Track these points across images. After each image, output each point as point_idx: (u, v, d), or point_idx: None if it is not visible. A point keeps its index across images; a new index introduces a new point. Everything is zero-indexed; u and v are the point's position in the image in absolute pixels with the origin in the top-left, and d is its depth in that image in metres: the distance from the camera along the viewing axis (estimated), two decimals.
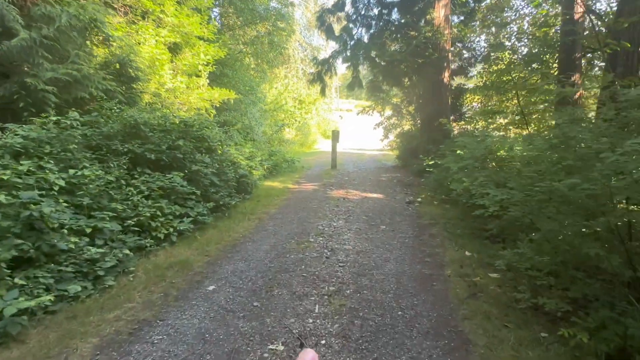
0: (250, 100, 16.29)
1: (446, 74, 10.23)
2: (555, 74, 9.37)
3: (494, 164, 4.72)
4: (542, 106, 6.90)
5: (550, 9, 9.15)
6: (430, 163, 8.12)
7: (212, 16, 13.68)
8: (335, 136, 12.07)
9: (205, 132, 6.82)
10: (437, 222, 5.57)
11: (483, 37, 11.67)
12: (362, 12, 11.33)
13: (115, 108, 5.81)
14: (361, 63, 11.36)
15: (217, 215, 5.77)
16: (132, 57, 7.49)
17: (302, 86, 31.58)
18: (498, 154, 4.69)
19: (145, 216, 4.41)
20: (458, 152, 5.92)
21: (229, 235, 5.06)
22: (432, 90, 10.32)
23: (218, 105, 12.59)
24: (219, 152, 7.66)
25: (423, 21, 10.04)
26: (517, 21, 11.05)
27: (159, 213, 4.59)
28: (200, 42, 10.42)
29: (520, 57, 10.21)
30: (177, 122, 6.06)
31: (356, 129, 33.33)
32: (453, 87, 10.89)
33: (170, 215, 4.77)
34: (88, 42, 7.02)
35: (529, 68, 9.64)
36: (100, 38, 7.31)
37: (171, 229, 4.64)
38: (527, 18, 11.73)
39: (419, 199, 7.26)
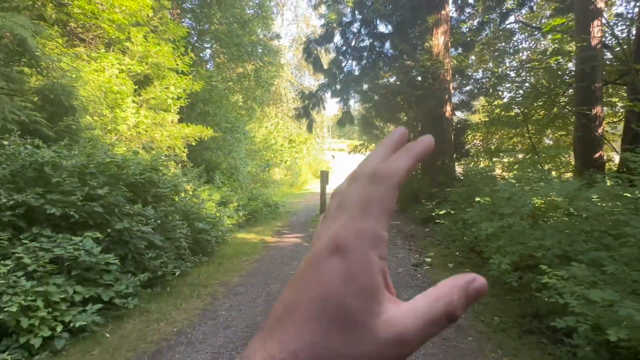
0: (234, 138, 15.06)
1: (448, 108, 9.06)
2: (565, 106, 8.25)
3: (554, 218, 3.23)
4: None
5: (564, 34, 8.17)
6: (439, 212, 6.63)
7: (189, 48, 12.75)
8: (324, 177, 10.66)
9: (153, 176, 5.33)
10: None
11: (484, 68, 10.68)
12: (352, 44, 10.38)
13: (26, 144, 4.31)
14: (352, 97, 10.25)
15: (151, 293, 4.11)
16: (73, 85, 6.17)
17: (293, 125, 30.85)
18: (557, 205, 3.22)
19: (11, 311, 2.78)
20: (480, 200, 4.47)
21: (158, 328, 3.40)
22: (433, 125, 9.08)
23: (194, 144, 11.28)
24: (175, 199, 6.14)
25: (420, 48, 9.00)
26: (523, 51, 10.12)
27: (39, 303, 2.96)
28: (172, 73, 9.24)
29: (525, 88, 9.16)
30: (107, 162, 4.55)
31: (348, 169, 32.15)
32: (455, 123, 9.69)
33: (62, 303, 3.14)
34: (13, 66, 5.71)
35: (539, 102, 8.49)
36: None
37: (59, 327, 2.99)
38: (531, 48, 10.86)
39: (428, 259, 5.67)
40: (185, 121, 10.48)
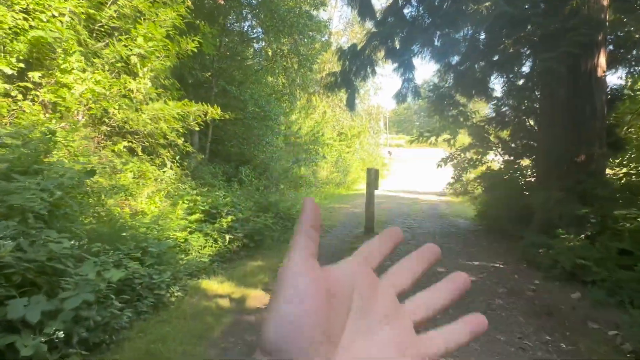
0: (266, 126, 12.02)
1: (600, 59, 4.98)
2: None
3: None
4: None
5: None
6: (601, 258, 2.75)
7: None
8: (372, 178, 7.07)
9: None
10: None
11: None
12: None
13: None
14: (420, 53, 6.48)
15: None
16: None
17: (344, 117, 27.39)
18: None
19: None
20: None
21: None
22: (567, 92, 5.08)
23: (197, 129, 8.37)
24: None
25: None
26: None
27: None
28: (151, 25, 6.26)
29: None
30: None
31: (407, 167, 27.98)
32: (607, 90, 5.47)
33: None
34: None
35: None
36: None
37: None
38: None
39: None
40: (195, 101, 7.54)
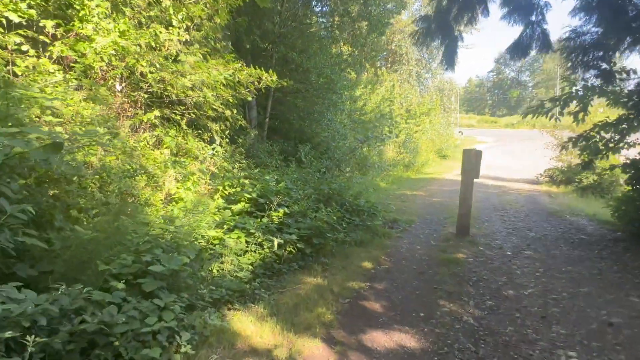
0: (330, 100, 10.54)
1: None
2: None
3: None
4: None
5: None
6: None
7: None
8: (472, 163, 5.20)
9: None
10: None
11: None
12: None
13: None
14: None
15: None
16: None
17: (413, 93, 24.95)
18: None
19: None
20: None
21: None
22: None
23: (250, 99, 7.16)
24: None
25: None
26: None
27: None
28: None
29: None
30: None
31: (484, 150, 24.73)
32: None
33: None
34: None
35: None
36: None
37: None
38: None
39: None
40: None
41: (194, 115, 6.06)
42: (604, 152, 5.81)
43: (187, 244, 3.04)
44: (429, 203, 8.37)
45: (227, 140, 6.75)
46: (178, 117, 5.76)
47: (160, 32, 4.58)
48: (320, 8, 12.63)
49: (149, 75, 4.76)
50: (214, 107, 5.97)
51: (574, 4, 5.05)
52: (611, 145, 5.72)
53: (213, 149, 6.27)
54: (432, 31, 4.77)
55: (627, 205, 5.72)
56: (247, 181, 5.38)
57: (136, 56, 4.47)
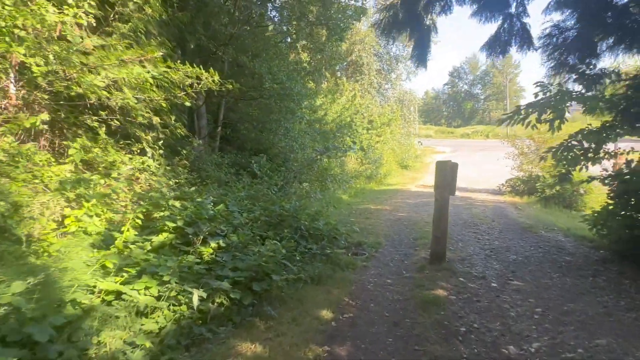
0: (286, 108, 9.62)
1: None
2: None
3: None
4: None
5: None
6: None
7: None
8: (446, 177, 4.44)
9: None
10: None
11: None
12: None
13: None
14: None
15: None
16: None
17: (373, 103, 24.82)
18: None
19: None
20: None
21: None
22: None
23: (188, 104, 6.06)
24: None
25: None
26: None
27: None
28: None
29: None
30: None
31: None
32: None
33: None
34: None
35: None
36: None
37: None
38: None
39: None
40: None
41: (118, 123, 4.89)
42: (582, 163, 5.31)
43: (46, 314, 1.93)
44: (396, 219, 7.61)
45: (160, 152, 5.56)
46: (95, 125, 4.58)
47: (47, 12, 3.43)
48: (277, 12, 11.81)
49: (35, 68, 3.57)
50: (142, 112, 4.84)
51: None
52: (590, 155, 5.23)
53: (142, 162, 5.09)
54: (399, 21, 3.99)
55: (610, 221, 5.22)
56: (177, 203, 4.26)
57: (10, 42, 3.29)
